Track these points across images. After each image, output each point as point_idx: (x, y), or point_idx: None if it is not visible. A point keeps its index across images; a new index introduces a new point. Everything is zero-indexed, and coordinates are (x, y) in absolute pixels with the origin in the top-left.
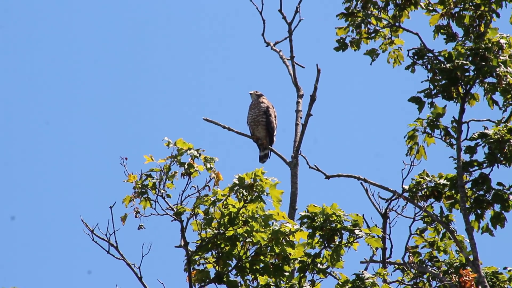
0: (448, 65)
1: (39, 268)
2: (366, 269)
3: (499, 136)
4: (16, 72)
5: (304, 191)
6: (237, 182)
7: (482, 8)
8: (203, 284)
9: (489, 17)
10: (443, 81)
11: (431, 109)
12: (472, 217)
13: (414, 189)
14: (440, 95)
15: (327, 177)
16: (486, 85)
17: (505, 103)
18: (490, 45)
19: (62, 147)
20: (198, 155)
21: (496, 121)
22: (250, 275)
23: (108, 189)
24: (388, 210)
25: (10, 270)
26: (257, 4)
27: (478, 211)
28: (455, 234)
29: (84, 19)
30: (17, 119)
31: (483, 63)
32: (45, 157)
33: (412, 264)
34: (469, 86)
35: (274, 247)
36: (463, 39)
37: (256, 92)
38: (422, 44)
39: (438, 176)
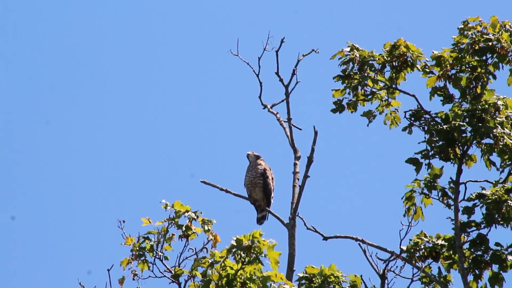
0: (445, 126)
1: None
2: None
3: (496, 196)
4: (16, 72)
5: (302, 252)
6: (235, 244)
7: (479, 70)
8: None
9: (485, 79)
10: (440, 142)
11: (428, 170)
12: (470, 278)
13: (412, 250)
14: (437, 156)
15: (325, 238)
16: (483, 146)
17: (502, 164)
18: (487, 106)
19: (62, 148)
20: (195, 217)
21: (494, 182)
22: None
23: (105, 252)
24: (386, 270)
25: (10, 270)
26: (254, 66)
27: (476, 271)
28: None
29: (85, 19)
30: (17, 119)
31: (480, 124)
32: (45, 157)
33: None
34: (466, 147)
35: None
36: (460, 100)
37: (254, 153)
38: (419, 106)
39: (436, 236)
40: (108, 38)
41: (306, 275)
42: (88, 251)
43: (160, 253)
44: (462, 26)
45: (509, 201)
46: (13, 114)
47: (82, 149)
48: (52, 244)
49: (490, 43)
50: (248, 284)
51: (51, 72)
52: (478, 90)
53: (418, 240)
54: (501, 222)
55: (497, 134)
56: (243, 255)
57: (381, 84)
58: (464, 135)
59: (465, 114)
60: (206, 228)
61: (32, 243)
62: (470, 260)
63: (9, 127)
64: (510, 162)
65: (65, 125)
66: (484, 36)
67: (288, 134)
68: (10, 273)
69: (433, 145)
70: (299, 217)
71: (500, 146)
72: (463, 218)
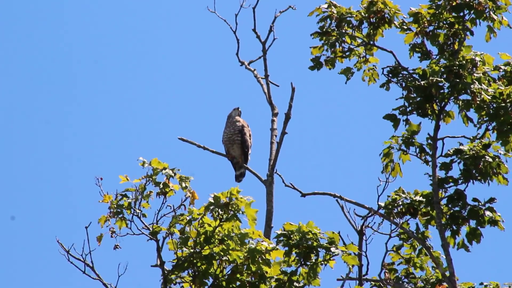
0: (422, 83)
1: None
2: (342, 286)
3: (474, 152)
4: (16, 72)
5: (280, 209)
6: (212, 201)
7: (456, 26)
8: None
9: (463, 35)
10: (418, 99)
11: (406, 126)
12: (448, 233)
13: (390, 206)
14: (415, 112)
15: (303, 195)
16: (460, 102)
17: (479, 120)
18: (464, 62)
19: (62, 148)
20: (173, 174)
21: (471, 138)
22: None
23: (83, 209)
24: (364, 227)
25: (10, 270)
26: (231, 23)
27: (454, 227)
28: (431, 250)
29: (85, 19)
30: (17, 119)
31: (458, 80)
32: (45, 157)
33: (389, 281)
34: (443, 103)
35: (251, 266)
36: (438, 57)
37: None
38: (396, 62)
39: (414, 193)
40: (108, 37)
41: (284, 232)
42: (64, 275)
43: (138, 211)
44: None
45: (486, 157)
46: (13, 114)
47: (82, 148)
48: (39, 241)
49: None
50: (226, 241)
51: (51, 72)
52: (456, 47)
53: (396, 196)
54: (478, 178)
55: (475, 90)
56: (221, 212)
57: (359, 41)
58: (441, 91)
59: (443, 70)
60: (183, 185)
61: (32, 243)
62: (447, 216)
63: (9, 127)
64: (487, 118)
65: (65, 125)
66: None
67: (266, 90)
68: (10, 273)
69: (410, 101)
70: (277, 174)
71: (478, 102)
72: (440, 174)
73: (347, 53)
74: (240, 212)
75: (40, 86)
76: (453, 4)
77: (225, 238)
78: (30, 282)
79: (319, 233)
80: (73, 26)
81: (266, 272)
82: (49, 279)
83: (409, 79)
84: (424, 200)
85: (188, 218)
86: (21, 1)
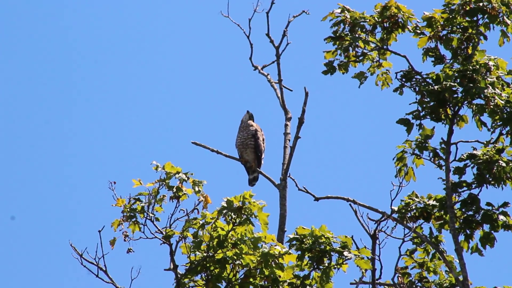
0: (436, 87)
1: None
2: None
3: (487, 157)
4: (16, 72)
5: (293, 213)
6: (225, 205)
7: (470, 30)
8: None
9: (476, 40)
10: (432, 103)
11: (419, 131)
12: (461, 238)
13: (403, 210)
14: (428, 117)
15: (316, 199)
16: (474, 106)
17: (493, 124)
18: (478, 67)
19: (62, 148)
20: (186, 178)
21: (485, 142)
22: None
23: (96, 213)
24: (377, 231)
25: (10, 270)
26: (245, 28)
27: (468, 231)
28: (445, 254)
29: (85, 19)
30: (17, 119)
31: (471, 85)
32: (45, 157)
33: (402, 285)
34: (457, 107)
35: (264, 270)
36: (451, 61)
37: (250, 113)
38: (410, 67)
39: (427, 197)
40: (108, 37)
41: (297, 236)
42: (77, 278)
43: (151, 215)
44: None
45: (500, 161)
46: (13, 114)
47: (82, 147)
48: (52, 245)
49: (481, 4)
50: (239, 245)
51: (51, 72)
52: (469, 51)
53: (409, 200)
54: (492, 182)
55: (488, 95)
56: (234, 216)
57: (372, 45)
58: (455, 95)
59: (456, 74)
60: (196, 189)
61: (32, 243)
62: (461, 220)
63: (9, 127)
64: (501, 123)
65: (65, 125)
66: None
67: (279, 95)
68: (24, 276)
69: (424, 105)
70: (291, 178)
71: (491, 107)
72: (454, 178)
73: (361, 58)
74: (253, 216)
75: (40, 86)
76: (467, 8)
77: (238, 242)
78: (43, 285)
79: (332, 237)
80: (77, 26)
81: (279, 276)
82: (63, 283)
83: (423, 84)
84: (437, 204)
85: (201, 222)
86: (21, 1)
